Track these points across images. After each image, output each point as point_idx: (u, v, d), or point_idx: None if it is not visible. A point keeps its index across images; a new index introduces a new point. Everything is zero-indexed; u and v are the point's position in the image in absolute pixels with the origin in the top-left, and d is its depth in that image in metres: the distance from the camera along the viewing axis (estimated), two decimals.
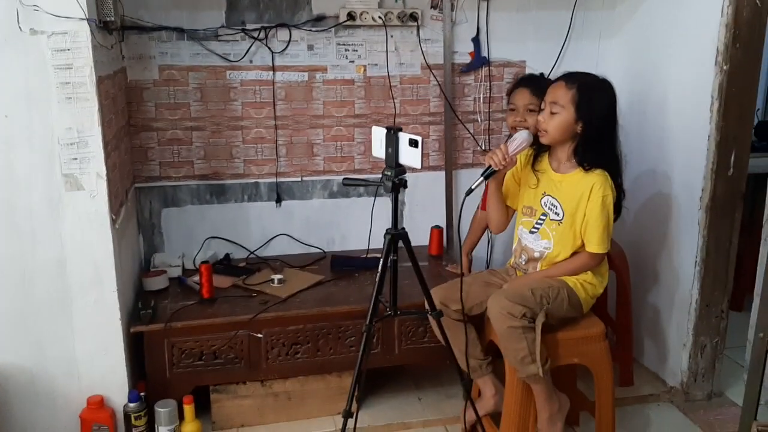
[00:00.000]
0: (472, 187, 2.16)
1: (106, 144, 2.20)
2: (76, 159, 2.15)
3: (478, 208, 2.88)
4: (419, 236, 3.16)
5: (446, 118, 3.11)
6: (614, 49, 3.12)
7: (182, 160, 2.92)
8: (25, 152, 2.12)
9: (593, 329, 2.30)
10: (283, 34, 2.88)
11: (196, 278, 2.71)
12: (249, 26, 2.84)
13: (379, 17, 2.88)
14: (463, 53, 3.09)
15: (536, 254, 2.35)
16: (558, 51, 3.12)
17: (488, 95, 3.14)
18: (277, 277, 2.74)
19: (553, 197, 2.31)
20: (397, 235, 2.02)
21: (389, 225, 2.06)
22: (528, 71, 3.14)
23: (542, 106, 2.29)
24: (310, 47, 2.93)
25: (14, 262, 2.18)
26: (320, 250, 3.12)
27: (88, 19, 2.05)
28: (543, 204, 2.34)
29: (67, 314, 2.26)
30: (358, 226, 3.12)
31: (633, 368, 2.91)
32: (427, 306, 2.16)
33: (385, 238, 2.05)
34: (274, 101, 2.93)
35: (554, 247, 2.31)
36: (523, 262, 2.41)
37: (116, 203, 2.33)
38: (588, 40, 3.15)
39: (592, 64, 3.08)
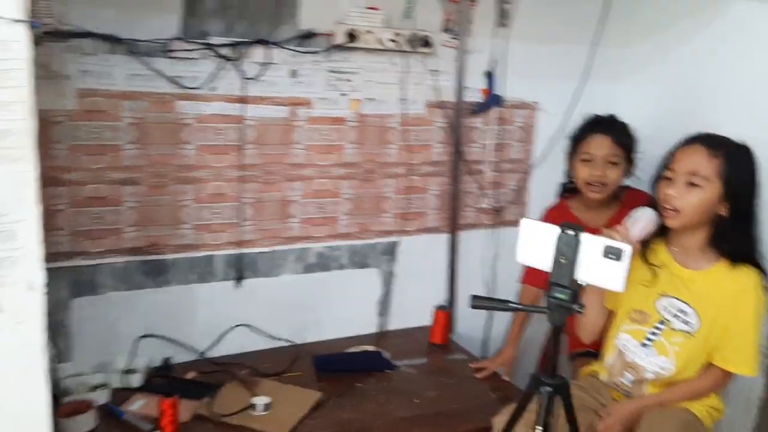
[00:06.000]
0: None
1: (47, 230, 1.29)
2: None
3: (523, 286, 2.29)
4: (413, 316, 2.52)
5: (453, 168, 2.46)
6: (642, 92, 2.61)
7: (106, 228, 2.00)
8: None
9: None
10: (257, 53, 2.08)
11: (137, 405, 1.86)
12: (213, 40, 2.01)
13: (390, 40, 2.17)
14: (472, 90, 2.45)
15: (649, 374, 1.77)
16: (572, 91, 2.54)
17: (499, 142, 2.54)
18: (261, 401, 1.91)
19: (680, 300, 1.74)
20: (558, 387, 1.32)
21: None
22: (539, 113, 2.59)
23: (667, 175, 1.72)
24: (293, 73, 2.14)
25: None
26: (290, 343, 2.32)
27: (29, 21, 1.16)
28: (660, 308, 1.77)
29: None
30: (336, 307, 2.40)
31: None
32: None
33: (537, 392, 1.34)
34: (241, 145, 2.11)
35: (677, 367, 1.74)
36: (629, 383, 1.81)
37: None
38: (608, 80, 2.60)
39: (611, 109, 2.53)
